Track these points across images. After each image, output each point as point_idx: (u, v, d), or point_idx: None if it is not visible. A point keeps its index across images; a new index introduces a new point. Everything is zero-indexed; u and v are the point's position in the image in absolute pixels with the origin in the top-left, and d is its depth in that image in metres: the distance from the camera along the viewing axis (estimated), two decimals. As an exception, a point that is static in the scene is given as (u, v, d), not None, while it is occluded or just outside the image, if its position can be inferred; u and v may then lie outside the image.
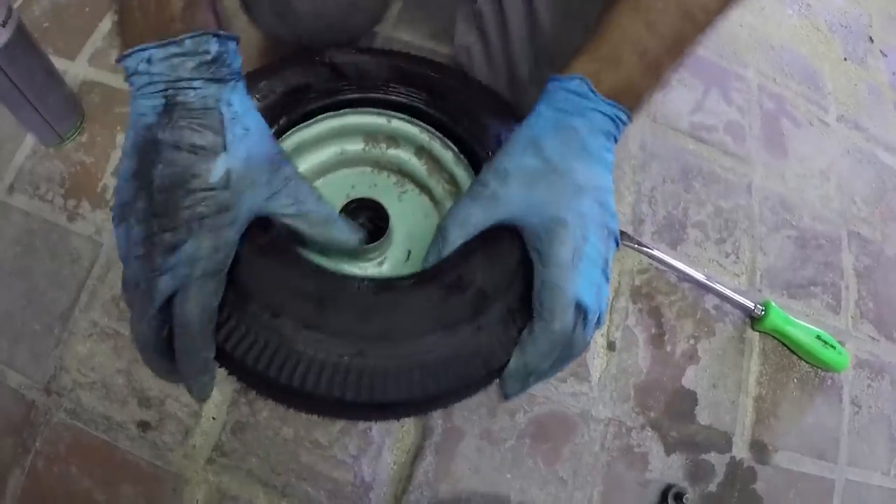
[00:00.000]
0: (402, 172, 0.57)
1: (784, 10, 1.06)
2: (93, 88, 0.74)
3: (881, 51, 1.08)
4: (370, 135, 0.56)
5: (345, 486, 0.60)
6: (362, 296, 0.40)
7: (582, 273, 0.38)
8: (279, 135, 0.50)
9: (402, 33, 0.87)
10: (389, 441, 0.62)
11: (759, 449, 0.70)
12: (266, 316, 0.38)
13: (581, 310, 0.38)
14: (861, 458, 0.74)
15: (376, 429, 0.62)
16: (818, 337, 0.73)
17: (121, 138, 0.71)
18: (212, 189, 0.35)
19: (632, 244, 0.73)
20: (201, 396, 0.39)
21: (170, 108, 0.35)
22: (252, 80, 0.50)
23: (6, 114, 0.66)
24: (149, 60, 0.35)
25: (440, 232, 0.43)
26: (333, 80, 0.53)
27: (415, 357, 0.38)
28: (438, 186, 0.56)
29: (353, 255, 0.51)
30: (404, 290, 0.41)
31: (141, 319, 0.36)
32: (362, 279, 0.41)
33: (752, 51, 0.98)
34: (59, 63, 0.69)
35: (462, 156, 0.52)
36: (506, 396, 0.42)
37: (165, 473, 0.58)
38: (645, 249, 0.72)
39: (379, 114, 0.54)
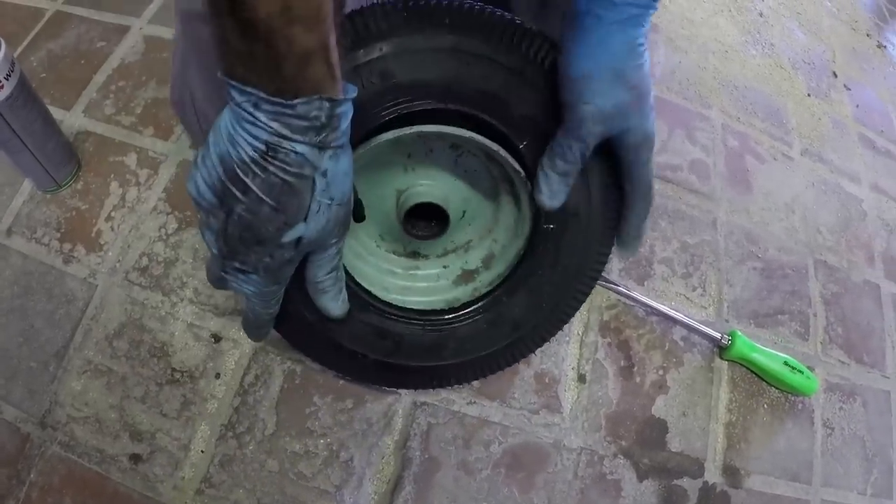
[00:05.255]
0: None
1: (748, 51, 1.10)
2: (88, 138, 0.77)
3: (845, 85, 1.13)
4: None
5: (327, 516, 0.62)
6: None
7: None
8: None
9: None
10: (370, 472, 0.64)
11: (732, 473, 0.72)
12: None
13: None
14: (836, 478, 0.76)
15: (357, 460, 0.64)
16: (786, 363, 0.75)
17: (114, 187, 0.74)
18: (281, 247, 0.39)
19: (600, 282, 0.75)
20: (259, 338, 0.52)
21: (267, 157, 0.35)
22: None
23: (5, 160, 0.69)
24: (255, 105, 0.34)
25: (565, 176, 0.49)
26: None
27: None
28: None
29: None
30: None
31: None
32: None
33: (715, 92, 1.02)
34: (55, 112, 0.71)
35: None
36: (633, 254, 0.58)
37: (155, 505, 0.60)
38: (613, 286, 0.75)
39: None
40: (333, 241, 0.43)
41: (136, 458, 0.62)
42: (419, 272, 0.63)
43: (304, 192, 0.37)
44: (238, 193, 0.36)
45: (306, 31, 0.31)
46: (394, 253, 0.63)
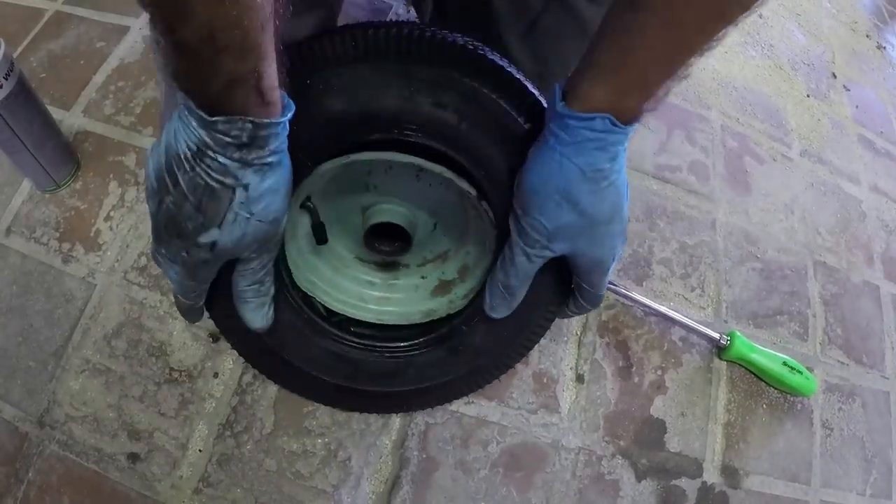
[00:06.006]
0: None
1: (747, 52, 1.10)
2: (87, 138, 0.77)
3: (844, 85, 1.13)
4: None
5: (325, 515, 0.62)
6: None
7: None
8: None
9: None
10: (368, 471, 0.64)
11: (731, 473, 0.72)
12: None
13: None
14: (835, 479, 0.76)
15: (355, 459, 0.64)
16: (784, 363, 0.76)
17: (113, 186, 0.74)
18: (197, 246, 0.40)
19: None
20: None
21: (196, 158, 0.37)
22: None
23: (4, 160, 0.69)
24: (190, 110, 0.35)
25: (507, 289, 0.49)
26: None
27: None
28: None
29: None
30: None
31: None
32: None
33: (714, 93, 1.02)
34: (55, 112, 0.71)
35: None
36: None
37: (154, 503, 0.61)
38: (611, 287, 0.75)
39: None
40: (253, 255, 0.43)
41: (134, 457, 0.62)
42: (398, 282, 0.63)
43: (222, 200, 0.38)
44: (170, 185, 0.38)
45: (234, 59, 0.32)
46: (374, 264, 0.63)
